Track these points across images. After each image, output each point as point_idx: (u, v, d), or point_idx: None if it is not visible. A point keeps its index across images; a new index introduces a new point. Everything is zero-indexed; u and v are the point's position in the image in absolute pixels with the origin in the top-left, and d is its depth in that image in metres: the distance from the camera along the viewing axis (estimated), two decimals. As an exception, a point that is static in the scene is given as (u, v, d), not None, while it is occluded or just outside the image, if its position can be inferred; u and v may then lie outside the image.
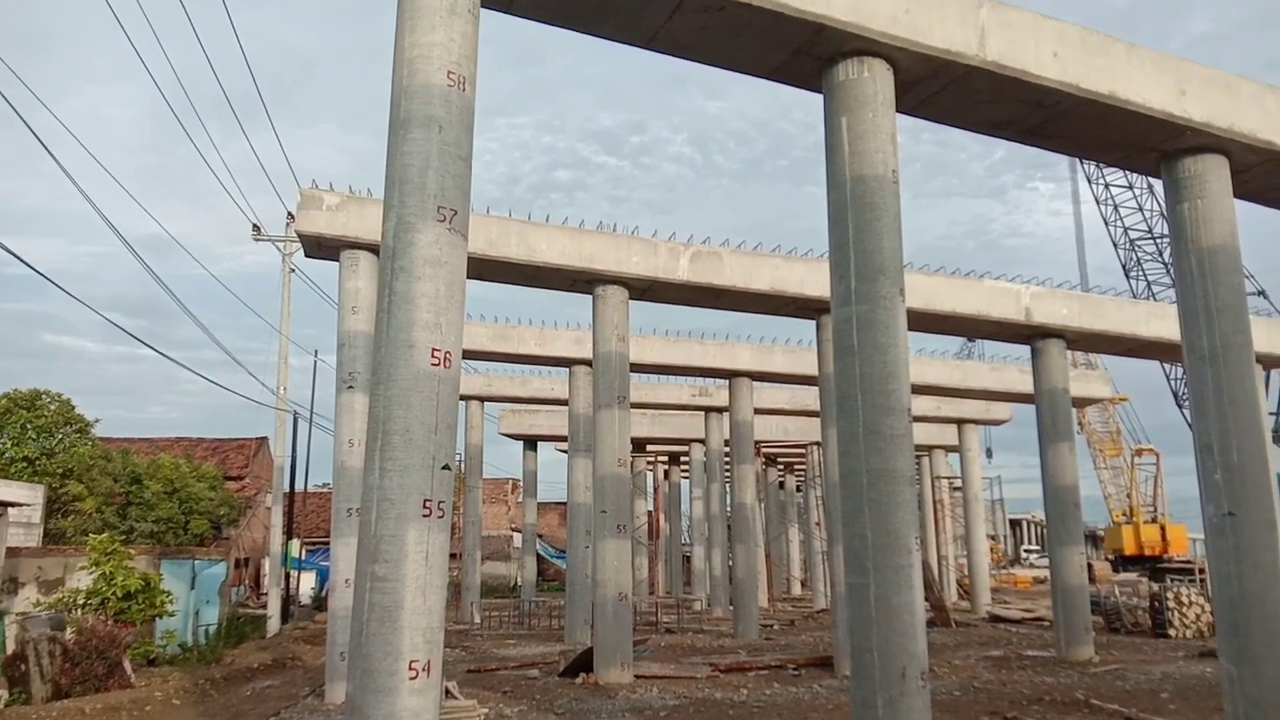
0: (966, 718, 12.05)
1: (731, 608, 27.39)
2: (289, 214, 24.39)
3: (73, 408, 28.02)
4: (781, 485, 49.70)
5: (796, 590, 48.41)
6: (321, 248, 15.69)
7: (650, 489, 49.84)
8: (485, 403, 32.83)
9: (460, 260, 7.62)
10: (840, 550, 13.57)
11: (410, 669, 6.64)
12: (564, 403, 26.96)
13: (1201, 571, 31.13)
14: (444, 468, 7.22)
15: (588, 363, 20.26)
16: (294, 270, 26.02)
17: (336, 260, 15.63)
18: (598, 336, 17.47)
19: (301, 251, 16.87)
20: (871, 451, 8.79)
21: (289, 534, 27.32)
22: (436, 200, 7.44)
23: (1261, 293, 44.33)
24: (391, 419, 7.11)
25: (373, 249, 14.92)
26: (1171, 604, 23.34)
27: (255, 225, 26.09)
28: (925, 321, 19.34)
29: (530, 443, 38.31)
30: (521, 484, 41.78)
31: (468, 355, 24.12)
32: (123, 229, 45.19)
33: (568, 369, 25.23)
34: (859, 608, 8.53)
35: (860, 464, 8.82)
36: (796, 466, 47.92)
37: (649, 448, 42.50)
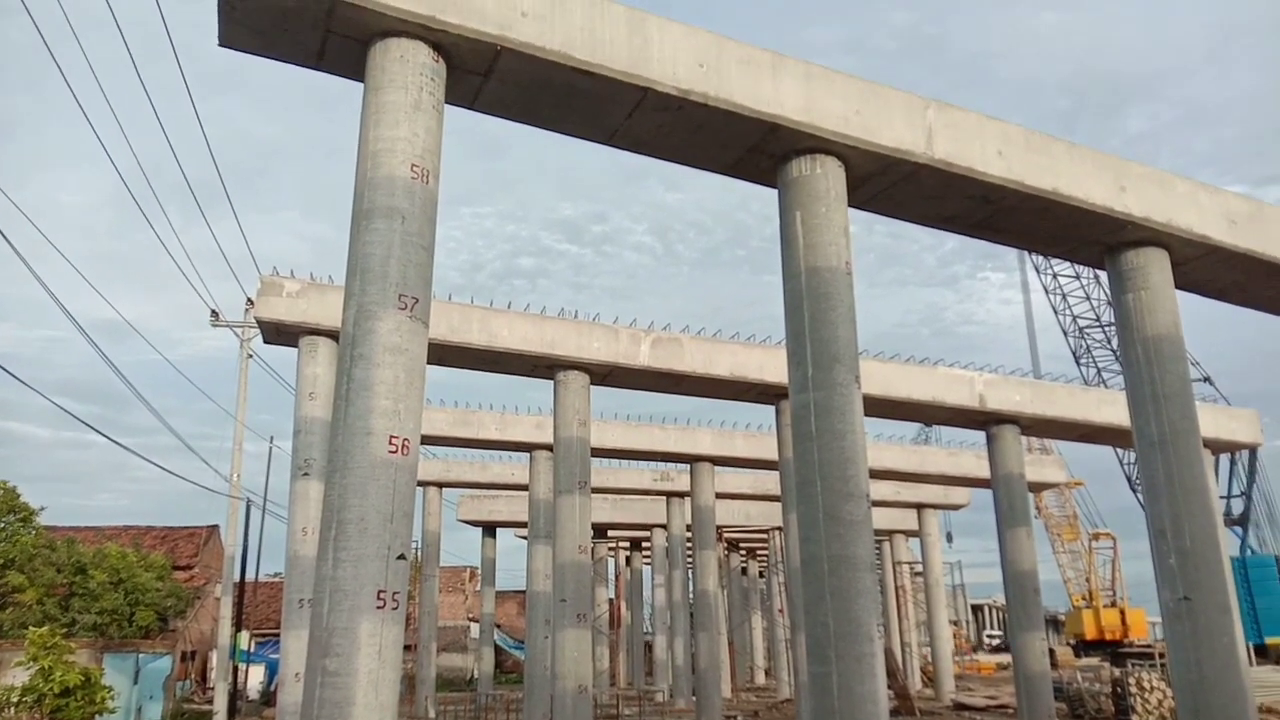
0: (932, 811, 11.84)
1: (694, 699, 26.87)
2: (248, 300, 24.30)
3: (17, 495, 27.19)
4: (744, 571, 49.29)
5: (760, 679, 47.61)
6: (280, 334, 15.63)
7: (611, 576, 49.15)
8: (443, 488, 32.44)
9: (421, 347, 7.65)
10: (803, 638, 13.48)
11: (361, 768, 6.44)
12: (524, 488, 26.75)
13: (1162, 656, 31.17)
14: (399, 557, 7.12)
15: (548, 448, 20.20)
16: (252, 356, 25.79)
17: (295, 346, 15.55)
18: (559, 421, 17.46)
19: (260, 338, 16.78)
20: (832, 537, 8.81)
21: (238, 625, 26.48)
22: (398, 289, 7.50)
23: (1207, 379, 45.52)
24: (347, 507, 7.02)
25: (332, 335, 14.88)
26: (1134, 689, 23.31)
27: (214, 311, 25.93)
28: (882, 407, 19.60)
29: (489, 529, 37.78)
30: (480, 572, 41.01)
31: (426, 440, 23.91)
32: (79, 314, 44.75)
33: (528, 454, 25.08)
34: (822, 698, 8.44)
35: (821, 550, 8.83)
36: (759, 552, 47.64)
37: (610, 533, 42.07)
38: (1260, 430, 25.07)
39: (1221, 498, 41.35)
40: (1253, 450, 38.81)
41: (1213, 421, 22.42)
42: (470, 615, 56.64)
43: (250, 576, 29.74)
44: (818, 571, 8.82)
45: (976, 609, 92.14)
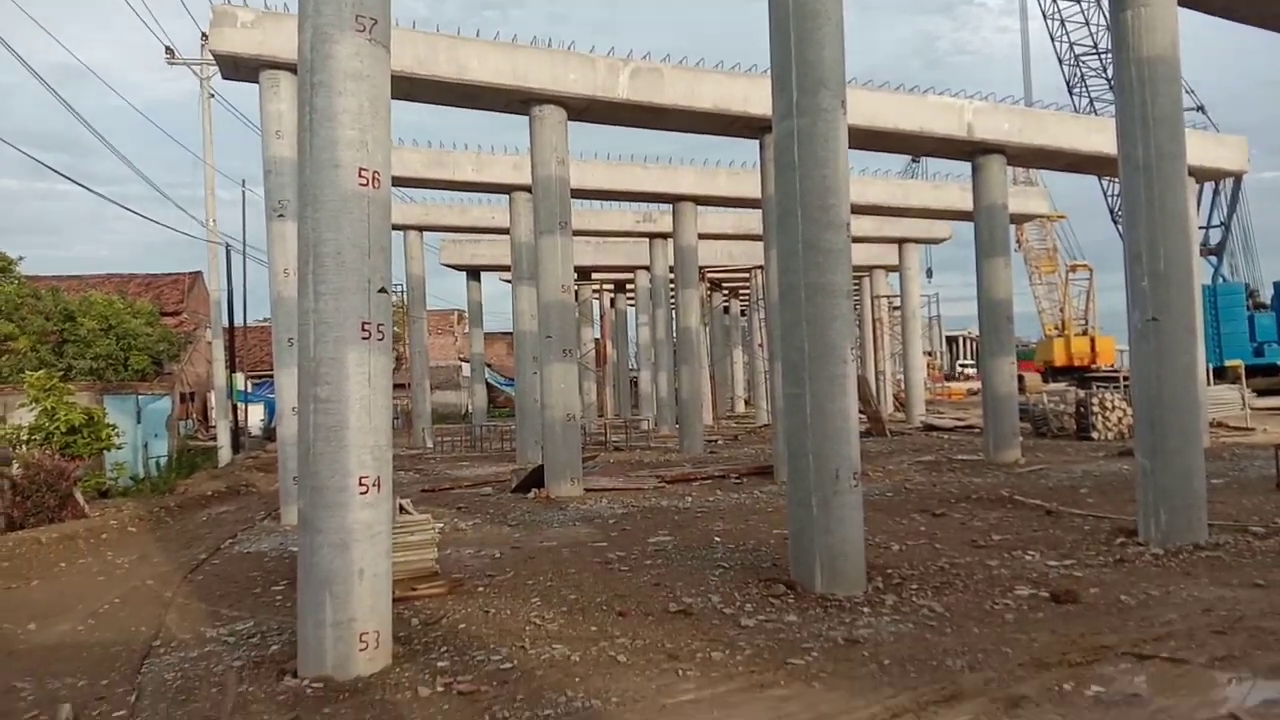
0: (897, 515, 12.77)
1: (677, 426, 28.23)
2: (203, 34, 22.93)
3: (-7, 246, 26.95)
4: (726, 310, 50.33)
5: (740, 409, 49.95)
6: (239, 69, 14.87)
7: (597, 317, 50.17)
8: (424, 232, 32.29)
9: (383, 74, 7.26)
10: (780, 366, 13.93)
11: (360, 484, 6.76)
12: (505, 231, 26.61)
13: (1126, 379, 32.63)
14: (380, 290, 7.12)
15: (528, 189, 19.89)
16: (213, 96, 24.73)
17: (256, 82, 14.86)
18: (536, 160, 17.08)
19: (219, 74, 15.99)
20: (810, 266, 8.85)
21: (232, 367, 27.18)
22: (354, 8, 6.99)
23: (1200, 108, 44.50)
24: (322, 242, 6.93)
25: (293, 68, 14.04)
26: (1096, 408, 24.50)
27: (168, 48, 24.56)
28: (869, 139, 19.17)
29: (473, 273, 38.04)
30: (467, 314, 41.73)
31: (402, 183, 23.48)
32: (28, 57, 42.20)
33: (507, 195, 24.77)
34: (795, 416, 8.81)
35: (799, 279, 8.90)
36: (741, 291, 48.46)
37: (594, 275, 42.50)
38: (1247, 158, 24.84)
39: (1200, 228, 41.66)
40: (1237, 179, 38.63)
41: (1200, 148, 22.13)
42: (461, 356, 58.34)
43: (239, 322, 30.17)
44: (795, 300, 8.93)
45: (951, 340, 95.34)
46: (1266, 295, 42.95)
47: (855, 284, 21.63)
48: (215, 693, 6.32)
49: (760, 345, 37.85)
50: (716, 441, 28.52)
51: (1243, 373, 29.61)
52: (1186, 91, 32.79)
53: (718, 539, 11.49)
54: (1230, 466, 16.86)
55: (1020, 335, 49.70)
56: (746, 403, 50.45)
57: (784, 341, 9.16)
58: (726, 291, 48.24)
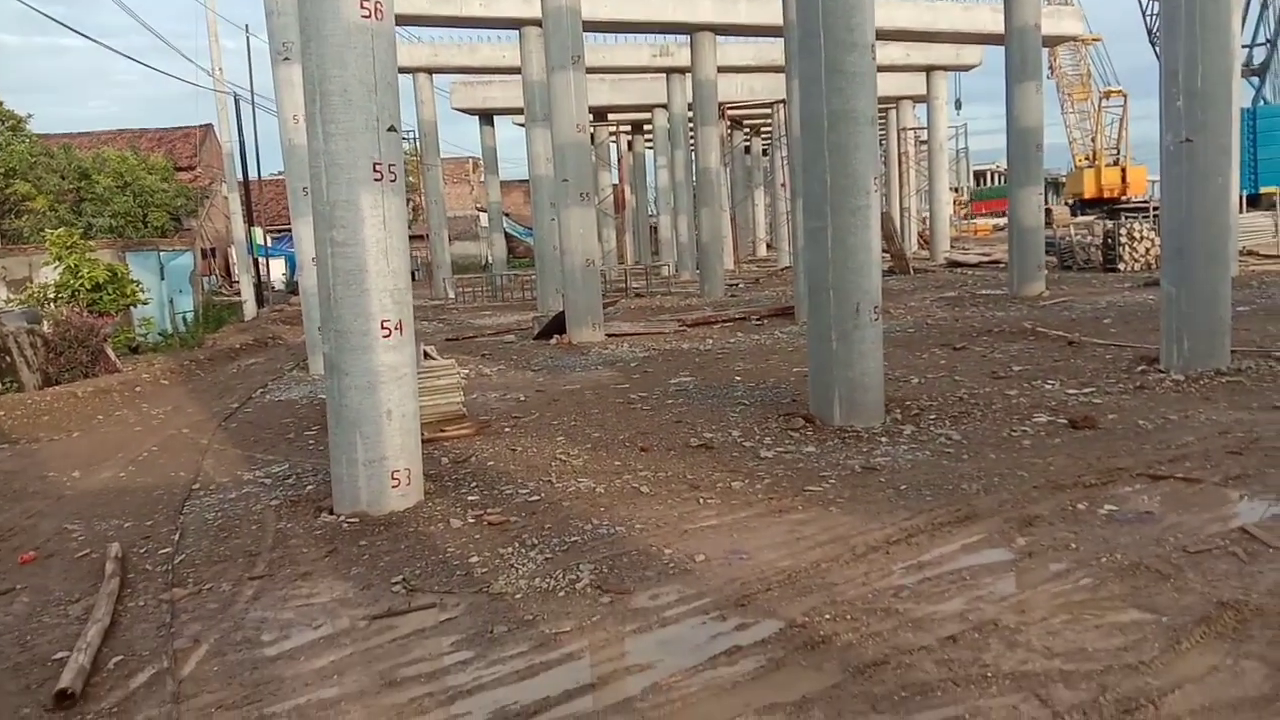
0: (918, 350, 12.79)
1: (698, 271, 28.12)
2: None
3: (0, 104, 26.48)
4: (747, 150, 49.25)
5: (762, 252, 49.57)
6: (230, -100, 14.13)
7: (614, 161, 49.24)
8: (433, 75, 31.37)
9: (378, -105, 6.85)
10: (801, 202, 13.67)
11: (383, 328, 6.81)
12: (517, 70, 25.81)
13: (1156, 209, 31.88)
14: (390, 129, 6.96)
15: (538, 23, 19.09)
16: (207, -66, 23.63)
17: (249, -86, 14.15)
18: (545, -10, 16.35)
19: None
20: (833, 92, 8.52)
21: (250, 221, 27.10)
22: None
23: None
24: (327, 79, 6.72)
25: (287, -102, 13.41)
26: (1124, 239, 24.03)
27: (154, -119, 23.31)
28: (894, -43, 18.15)
29: (486, 118, 37.21)
30: (482, 162, 41.03)
31: (407, 21, 22.69)
32: (7, -104, 40.23)
33: (517, 31, 23.89)
34: (816, 250, 8.70)
35: (821, 105, 8.59)
36: (763, 129, 47.20)
37: (610, 116, 41.48)
38: (1300, -34, 23.35)
39: (1244, 46, 39.68)
40: (1287, -8, 36.47)
41: (1250, -42, 20.82)
42: (478, 205, 57.78)
43: (254, 176, 29.86)
44: (817, 129, 8.65)
45: (979, 175, 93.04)
46: (1310, 118, 41.25)
47: (881, 116, 21.07)
48: (255, 529, 6.58)
49: (782, 185, 37.14)
50: (738, 285, 28.44)
51: (1279, 200, 28.81)
52: (1239, -104, 30.49)
53: (738, 378, 11.60)
54: (1258, 294, 16.63)
55: (1049, 168, 48.42)
56: (768, 245, 49.94)
57: (805, 173, 8.95)
58: (747, 130, 47.04)
